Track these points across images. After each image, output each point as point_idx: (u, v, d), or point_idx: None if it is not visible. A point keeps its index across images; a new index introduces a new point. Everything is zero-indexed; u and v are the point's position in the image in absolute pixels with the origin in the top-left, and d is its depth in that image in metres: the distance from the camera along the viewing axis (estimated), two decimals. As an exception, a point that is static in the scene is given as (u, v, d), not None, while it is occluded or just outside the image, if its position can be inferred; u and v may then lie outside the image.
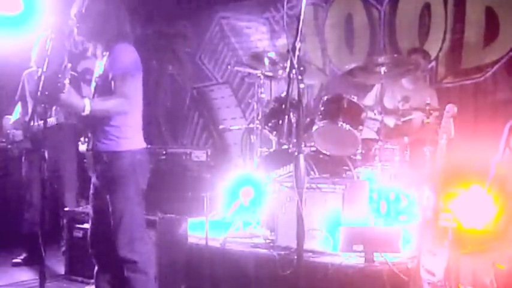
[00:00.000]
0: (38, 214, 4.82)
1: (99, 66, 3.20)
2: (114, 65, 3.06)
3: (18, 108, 5.11)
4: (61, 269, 4.59)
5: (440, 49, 5.57)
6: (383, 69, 4.46)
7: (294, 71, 2.63)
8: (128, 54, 3.12)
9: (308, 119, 4.73)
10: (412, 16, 5.75)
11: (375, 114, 4.59)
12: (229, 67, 7.09)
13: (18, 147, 5.00)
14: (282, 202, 4.02)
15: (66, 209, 4.70)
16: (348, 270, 3.50)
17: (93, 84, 3.24)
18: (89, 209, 3.33)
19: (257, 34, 6.91)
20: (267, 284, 3.79)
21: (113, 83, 3.04)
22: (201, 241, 4.16)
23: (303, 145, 3.56)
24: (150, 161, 3.31)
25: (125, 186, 3.09)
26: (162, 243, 3.97)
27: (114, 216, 3.09)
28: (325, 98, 4.60)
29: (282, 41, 6.51)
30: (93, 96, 3.18)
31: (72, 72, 2.96)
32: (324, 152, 4.61)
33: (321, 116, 4.48)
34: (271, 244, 4.08)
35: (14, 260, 5.02)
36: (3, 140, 5.19)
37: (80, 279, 4.39)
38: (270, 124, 4.91)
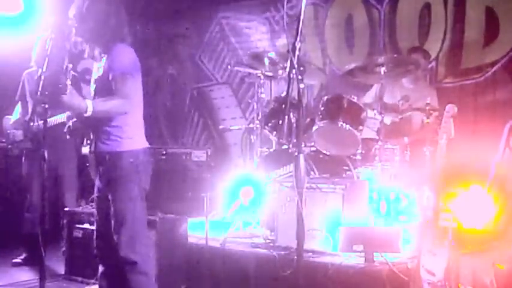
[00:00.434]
0: (38, 214, 4.81)
1: (98, 68, 3.20)
2: (113, 66, 3.07)
3: (18, 108, 5.11)
4: (61, 269, 4.59)
5: (440, 49, 5.57)
6: (383, 69, 4.46)
7: (294, 71, 2.63)
8: (127, 55, 3.13)
9: (308, 119, 4.73)
10: (412, 16, 5.75)
11: (375, 114, 4.59)
12: (229, 67, 7.09)
13: (19, 147, 5.00)
14: (282, 202, 4.02)
15: (66, 209, 4.70)
16: (348, 270, 3.50)
17: (93, 85, 3.25)
18: (93, 211, 3.34)
19: (257, 34, 6.91)
20: (267, 284, 3.79)
21: (113, 84, 3.05)
22: (201, 241, 4.16)
23: (303, 145, 3.57)
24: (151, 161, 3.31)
25: (127, 186, 3.10)
26: (162, 243, 3.97)
27: (116, 216, 3.09)
28: (325, 98, 4.61)
29: (282, 41, 6.52)
30: (94, 98, 3.18)
31: (73, 73, 2.96)
32: (324, 152, 4.61)
33: (321, 116, 4.48)
34: (271, 244, 4.08)
35: (14, 260, 5.02)
36: (4, 140, 5.19)
37: (80, 279, 4.39)
38: (270, 124, 4.91)
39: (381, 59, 4.49)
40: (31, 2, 5.51)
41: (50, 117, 4.47)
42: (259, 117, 5.20)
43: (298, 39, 2.65)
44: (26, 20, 5.50)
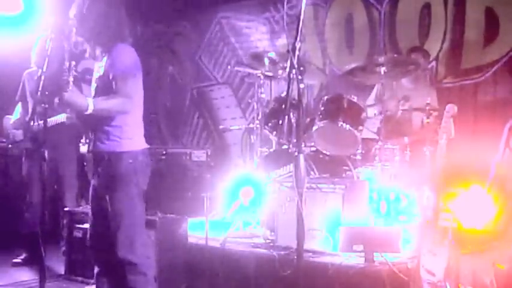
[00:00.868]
0: (38, 214, 4.81)
1: (99, 68, 3.20)
2: (114, 65, 3.06)
3: (19, 108, 5.11)
4: (61, 269, 4.59)
5: (440, 49, 5.57)
6: (383, 69, 4.46)
7: (294, 71, 2.63)
8: (128, 55, 3.13)
9: (308, 119, 4.74)
10: (412, 16, 5.75)
11: (375, 114, 4.59)
12: (229, 67, 7.09)
13: (19, 147, 5.00)
14: (282, 202, 4.02)
15: (66, 209, 4.70)
16: (348, 270, 3.50)
17: (94, 85, 3.24)
18: (89, 210, 3.33)
19: (257, 34, 6.92)
20: (267, 284, 3.79)
21: (114, 83, 3.05)
22: (201, 241, 4.16)
23: (303, 145, 3.55)
24: (150, 161, 3.31)
25: (125, 187, 3.09)
26: (162, 243, 3.97)
27: (114, 217, 3.08)
28: (325, 98, 4.61)
29: (282, 41, 6.52)
30: (94, 97, 3.17)
31: (74, 72, 2.96)
32: (324, 152, 4.61)
33: (321, 116, 4.48)
34: (271, 244, 4.08)
35: (14, 260, 5.02)
36: (4, 140, 5.19)
37: (80, 279, 4.39)
38: (270, 124, 4.91)
39: (381, 59, 4.49)
40: (31, 2, 5.51)
41: (50, 117, 4.48)
42: (259, 117, 5.19)
43: (298, 39, 2.65)
44: (26, 20, 5.50)
